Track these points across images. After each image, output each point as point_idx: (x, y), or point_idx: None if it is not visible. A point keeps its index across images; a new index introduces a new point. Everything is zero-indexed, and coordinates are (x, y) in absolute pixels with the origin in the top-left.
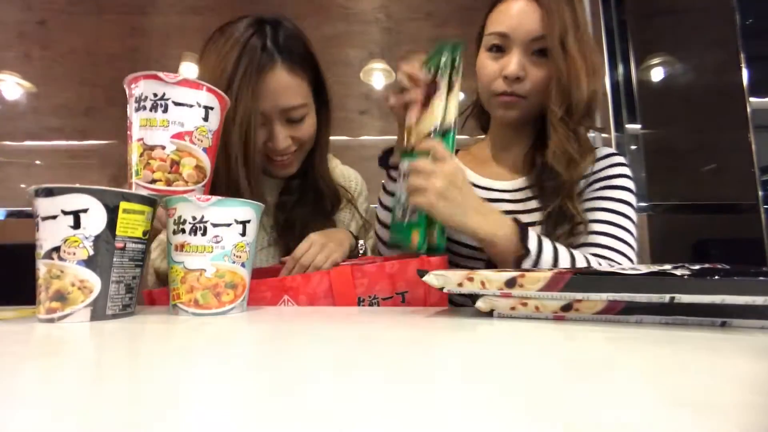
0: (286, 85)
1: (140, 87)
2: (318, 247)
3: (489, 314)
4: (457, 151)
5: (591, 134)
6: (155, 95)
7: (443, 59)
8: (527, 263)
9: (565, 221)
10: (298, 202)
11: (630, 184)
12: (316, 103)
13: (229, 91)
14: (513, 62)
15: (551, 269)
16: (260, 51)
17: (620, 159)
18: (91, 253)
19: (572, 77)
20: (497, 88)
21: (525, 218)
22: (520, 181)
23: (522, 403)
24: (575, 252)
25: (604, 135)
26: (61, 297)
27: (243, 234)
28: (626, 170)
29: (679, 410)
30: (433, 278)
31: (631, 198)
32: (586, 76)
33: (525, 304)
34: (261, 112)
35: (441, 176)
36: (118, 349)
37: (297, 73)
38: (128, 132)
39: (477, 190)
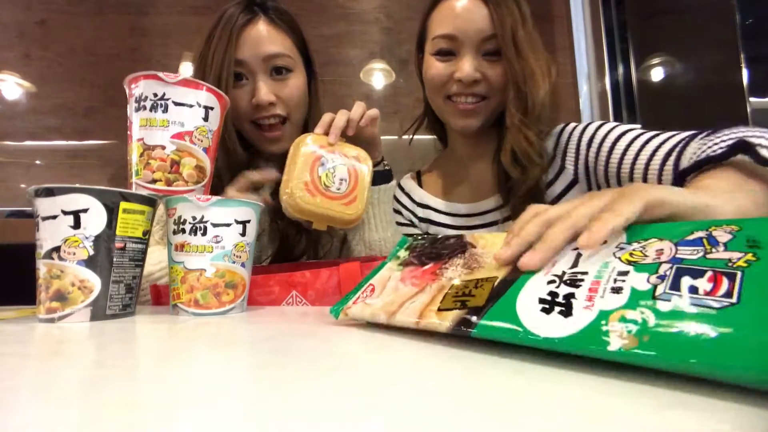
0: (267, 34)
1: (140, 87)
2: None
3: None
4: (419, 173)
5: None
6: (155, 95)
7: None
8: None
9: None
10: None
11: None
12: (307, 73)
13: (208, 47)
14: (467, 65)
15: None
16: (242, 9)
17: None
18: (92, 253)
19: (527, 77)
20: (450, 89)
21: None
22: (490, 202)
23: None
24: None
25: None
26: (61, 297)
27: (243, 234)
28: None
29: (678, 410)
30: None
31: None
32: (541, 76)
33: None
34: (242, 62)
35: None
36: (118, 350)
37: (280, 27)
38: (128, 132)
39: (444, 217)
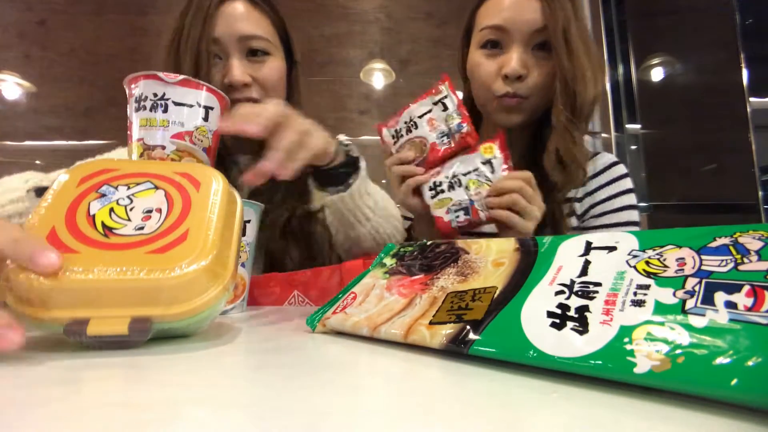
0: (244, 13)
1: (140, 87)
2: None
3: None
4: None
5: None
6: (155, 95)
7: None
8: None
9: (547, 226)
10: (271, 187)
11: (633, 198)
12: (287, 62)
13: (182, 24)
14: (513, 59)
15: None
16: None
17: (621, 170)
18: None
19: (577, 75)
20: (498, 89)
21: None
22: None
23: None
24: None
25: (604, 135)
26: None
27: (243, 234)
28: (628, 182)
29: (676, 410)
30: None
31: (635, 215)
32: (591, 74)
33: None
34: (216, 39)
35: (539, 206)
36: (115, 351)
37: (259, 7)
38: (128, 132)
39: None
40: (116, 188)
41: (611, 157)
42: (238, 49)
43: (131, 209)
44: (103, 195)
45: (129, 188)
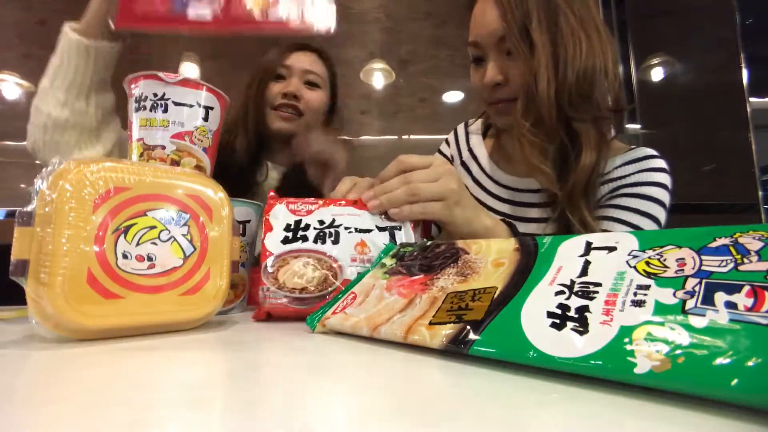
0: (312, 58)
1: (140, 87)
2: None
3: None
4: (487, 129)
5: None
6: (155, 95)
7: None
8: None
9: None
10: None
11: (663, 195)
12: (330, 99)
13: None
14: (488, 70)
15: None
16: (299, 47)
17: (658, 163)
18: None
19: (534, 72)
20: (487, 98)
21: (521, 226)
22: (531, 181)
23: None
24: None
25: None
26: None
27: (243, 234)
28: (662, 177)
29: (676, 410)
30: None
31: (658, 212)
32: (547, 69)
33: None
34: (287, 66)
35: (452, 178)
36: (115, 350)
37: (322, 57)
38: (128, 132)
39: (502, 190)
40: (136, 220)
41: (649, 150)
42: (299, 76)
43: (155, 244)
44: (126, 230)
45: (147, 228)
